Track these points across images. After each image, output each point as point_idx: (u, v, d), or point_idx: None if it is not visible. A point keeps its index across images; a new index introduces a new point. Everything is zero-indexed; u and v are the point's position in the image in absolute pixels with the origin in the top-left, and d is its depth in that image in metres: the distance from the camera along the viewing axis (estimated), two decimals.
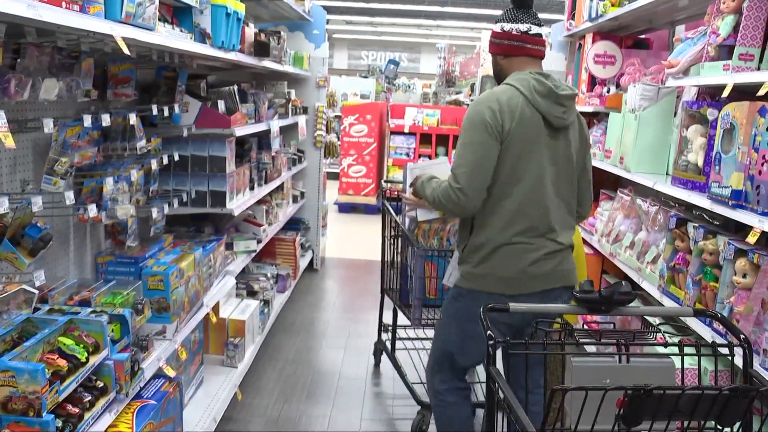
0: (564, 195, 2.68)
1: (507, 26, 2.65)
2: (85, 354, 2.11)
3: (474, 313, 2.56)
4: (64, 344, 2.09)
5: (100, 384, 2.22)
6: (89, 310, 2.34)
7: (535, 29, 2.66)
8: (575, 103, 2.68)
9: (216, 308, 3.93)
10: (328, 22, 6.92)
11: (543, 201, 2.59)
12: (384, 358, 4.50)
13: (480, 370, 4.32)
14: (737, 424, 1.58)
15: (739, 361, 1.86)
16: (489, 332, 1.74)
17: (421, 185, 2.83)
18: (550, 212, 2.61)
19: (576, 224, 2.88)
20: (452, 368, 2.81)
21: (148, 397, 2.68)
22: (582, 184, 2.79)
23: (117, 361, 2.29)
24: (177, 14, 3.05)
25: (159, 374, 2.81)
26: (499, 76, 2.76)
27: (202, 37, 3.15)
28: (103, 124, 2.59)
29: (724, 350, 1.83)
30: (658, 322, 3.26)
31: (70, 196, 2.35)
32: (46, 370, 1.91)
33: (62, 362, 2.01)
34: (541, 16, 2.77)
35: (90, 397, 2.14)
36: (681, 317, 3.09)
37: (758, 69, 2.82)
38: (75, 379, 2.04)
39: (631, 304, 1.91)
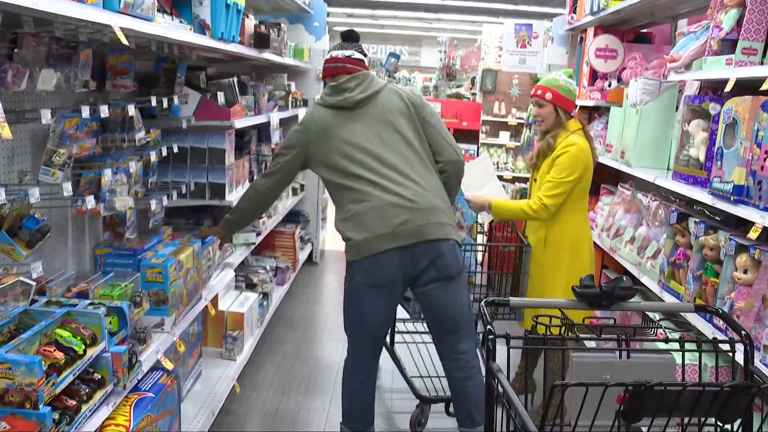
0: (401, 154, 2.89)
1: (334, 53, 3.08)
2: (83, 346, 2.10)
3: (347, 282, 2.93)
4: (62, 336, 2.08)
5: (98, 376, 2.21)
6: (87, 302, 2.32)
7: (357, 55, 3.06)
8: (366, 80, 2.98)
9: (215, 301, 3.92)
10: (328, 14, 6.88)
11: (367, 170, 2.84)
12: (383, 351, 4.49)
13: None
14: (737, 421, 1.57)
15: (740, 357, 1.85)
16: (489, 327, 1.73)
17: None
18: (382, 176, 2.83)
19: (452, 171, 3.00)
20: (356, 346, 3.06)
21: (145, 390, 2.67)
22: (430, 135, 2.98)
23: (114, 353, 2.27)
24: (176, 5, 3.03)
25: (157, 367, 2.80)
26: None
27: (201, 28, 3.13)
28: (102, 116, 2.57)
29: (725, 346, 1.82)
30: (658, 317, 3.25)
31: (68, 188, 2.33)
32: (43, 362, 1.89)
33: (59, 354, 2.00)
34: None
35: (87, 390, 2.13)
36: (681, 312, 3.09)
37: (761, 63, 2.80)
38: (72, 371, 2.02)
39: (631, 300, 1.90)
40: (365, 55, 3.11)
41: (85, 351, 2.11)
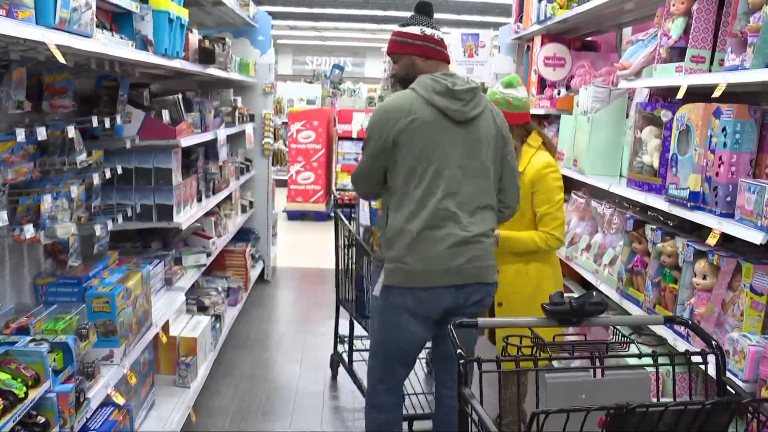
0: (479, 187, 2.72)
1: (428, 30, 2.76)
2: (24, 389, 1.95)
3: (389, 306, 2.73)
4: None
5: (42, 419, 2.06)
6: (28, 338, 2.18)
7: (441, 36, 2.81)
8: (479, 95, 2.74)
9: (166, 327, 3.76)
10: (272, 27, 6.78)
11: (448, 196, 2.65)
12: (342, 370, 4.40)
13: None
14: None
15: (711, 369, 1.83)
16: (459, 351, 1.66)
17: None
18: (460, 206, 2.67)
19: (507, 215, 2.89)
20: (392, 372, 2.85)
21: (95, 429, 2.53)
22: (504, 174, 2.83)
23: (60, 393, 2.13)
24: (117, 20, 2.90)
25: (107, 402, 2.65)
26: (409, 77, 2.80)
27: (143, 44, 3.01)
28: (39, 138, 2.42)
29: (698, 358, 1.80)
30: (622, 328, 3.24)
31: (3, 217, 2.18)
32: None
33: None
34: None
35: None
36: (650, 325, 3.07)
37: (709, 71, 2.82)
38: (12, 417, 1.87)
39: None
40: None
41: (26, 393, 1.96)
